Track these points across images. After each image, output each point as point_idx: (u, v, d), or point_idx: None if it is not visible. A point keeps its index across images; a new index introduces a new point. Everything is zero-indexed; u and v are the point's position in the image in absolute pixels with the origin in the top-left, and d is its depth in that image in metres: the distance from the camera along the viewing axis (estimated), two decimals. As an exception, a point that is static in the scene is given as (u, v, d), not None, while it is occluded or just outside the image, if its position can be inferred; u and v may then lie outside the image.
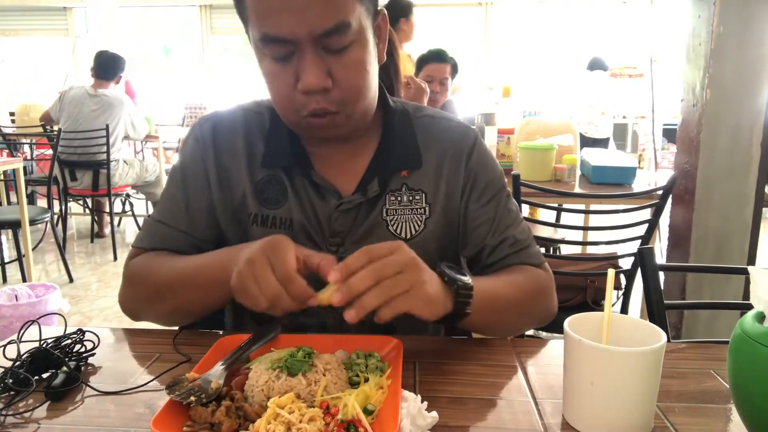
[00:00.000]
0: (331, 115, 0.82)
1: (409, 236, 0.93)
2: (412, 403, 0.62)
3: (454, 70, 3.04)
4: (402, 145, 0.94)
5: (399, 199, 0.93)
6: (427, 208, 0.93)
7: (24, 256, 3.31)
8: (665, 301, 1.12)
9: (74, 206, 5.22)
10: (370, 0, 0.83)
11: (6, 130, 4.99)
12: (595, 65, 5.14)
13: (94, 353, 0.80)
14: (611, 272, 0.66)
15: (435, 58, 2.99)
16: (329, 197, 0.91)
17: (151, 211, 4.96)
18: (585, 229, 2.17)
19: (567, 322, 0.65)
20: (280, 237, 0.75)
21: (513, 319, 0.91)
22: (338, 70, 0.80)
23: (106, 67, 4.13)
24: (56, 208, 4.15)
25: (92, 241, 4.69)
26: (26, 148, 4.81)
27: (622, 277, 2.04)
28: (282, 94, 0.83)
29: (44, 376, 0.74)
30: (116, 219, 4.98)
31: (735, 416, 0.66)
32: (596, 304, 1.95)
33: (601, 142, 4.98)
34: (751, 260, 2.19)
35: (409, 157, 0.94)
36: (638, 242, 1.96)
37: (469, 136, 0.98)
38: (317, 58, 0.78)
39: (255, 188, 0.93)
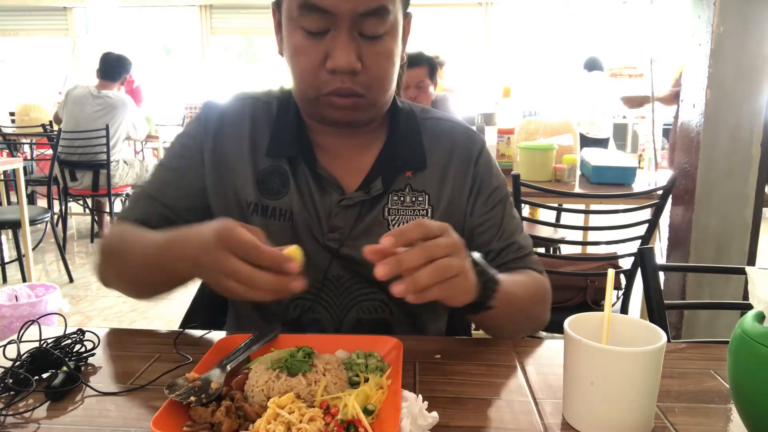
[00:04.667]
0: (355, 97, 0.83)
1: None
2: (413, 403, 0.62)
3: (432, 70, 2.89)
4: (407, 145, 0.94)
5: (402, 199, 0.93)
6: (429, 210, 0.93)
7: (24, 256, 3.31)
8: (665, 301, 1.12)
9: (74, 206, 5.22)
10: None
11: (6, 130, 4.99)
12: (592, 65, 5.12)
13: (94, 353, 0.80)
14: (611, 272, 0.66)
15: (407, 64, 2.83)
16: (331, 191, 0.91)
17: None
18: (585, 229, 2.17)
19: (567, 322, 0.65)
20: (225, 220, 0.67)
21: (520, 320, 0.90)
22: (369, 56, 0.81)
23: (111, 68, 4.13)
24: (56, 208, 4.15)
25: (92, 241, 4.69)
26: (26, 148, 4.81)
27: (622, 277, 2.03)
28: (306, 70, 0.82)
29: (44, 376, 0.73)
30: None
31: (735, 416, 0.66)
32: (596, 304, 1.95)
33: (601, 142, 4.97)
34: (751, 260, 2.19)
35: (414, 158, 0.94)
36: (638, 242, 1.96)
37: (476, 141, 0.98)
38: (351, 39, 0.79)
39: (257, 178, 0.92)
